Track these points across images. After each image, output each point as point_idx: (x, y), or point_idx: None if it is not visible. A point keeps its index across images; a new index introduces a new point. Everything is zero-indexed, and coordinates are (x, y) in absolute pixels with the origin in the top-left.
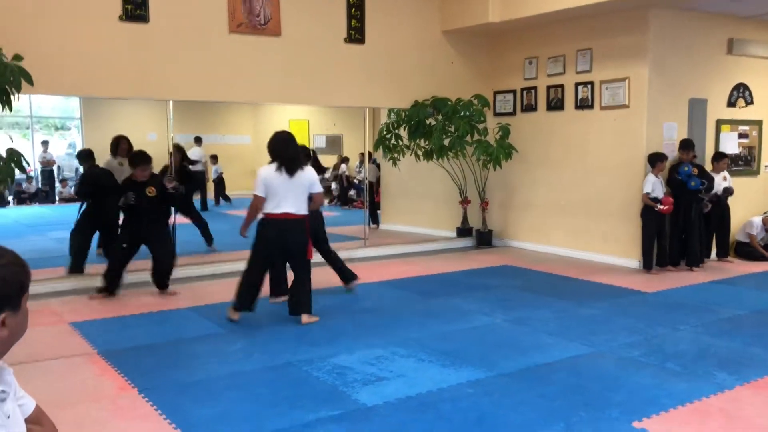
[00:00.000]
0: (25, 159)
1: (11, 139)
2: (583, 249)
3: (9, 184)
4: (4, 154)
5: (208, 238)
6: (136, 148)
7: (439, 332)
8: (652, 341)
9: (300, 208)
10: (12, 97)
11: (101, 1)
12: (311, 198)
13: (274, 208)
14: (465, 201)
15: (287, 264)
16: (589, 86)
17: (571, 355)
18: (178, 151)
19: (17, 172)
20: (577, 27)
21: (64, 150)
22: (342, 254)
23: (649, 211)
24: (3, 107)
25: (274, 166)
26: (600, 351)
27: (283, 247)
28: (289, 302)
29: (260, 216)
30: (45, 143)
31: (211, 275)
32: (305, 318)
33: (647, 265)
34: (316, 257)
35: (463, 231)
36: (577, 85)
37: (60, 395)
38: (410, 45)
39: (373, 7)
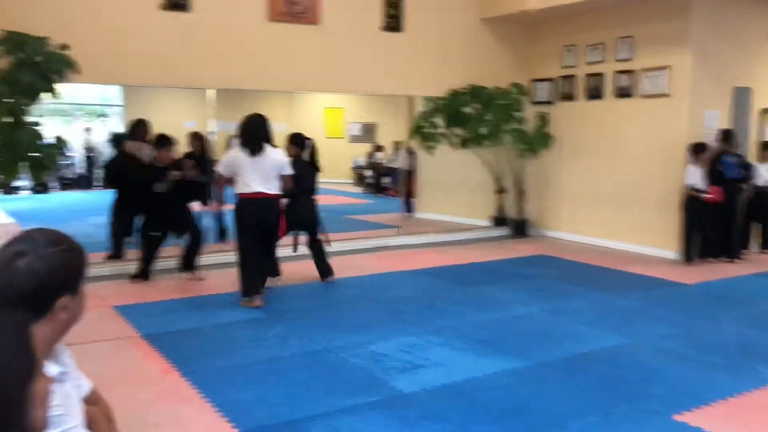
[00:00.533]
0: (68, 146)
1: (57, 126)
2: (619, 239)
3: (54, 169)
4: (50, 140)
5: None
6: (175, 135)
7: (474, 321)
8: (691, 333)
9: (270, 187)
10: (57, 84)
11: None
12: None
13: (244, 188)
14: (501, 190)
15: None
16: (630, 74)
17: (609, 346)
18: (198, 139)
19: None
20: (617, 14)
21: (105, 137)
22: (376, 242)
23: (691, 201)
24: (49, 94)
25: (239, 147)
26: (638, 342)
27: (258, 225)
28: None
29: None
30: (87, 130)
31: None
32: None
33: (688, 257)
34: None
35: (499, 220)
36: (617, 73)
37: (105, 377)
38: (447, 33)
39: None
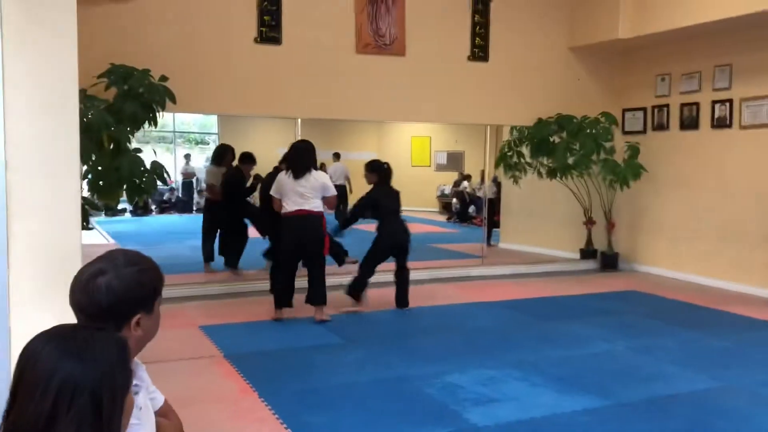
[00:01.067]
0: (166, 171)
1: (155, 152)
2: (718, 277)
3: (152, 194)
4: (149, 167)
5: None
6: (266, 161)
7: (555, 356)
8: None
9: (310, 205)
10: (157, 114)
11: (239, 25)
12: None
13: (287, 207)
14: (590, 221)
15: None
16: (728, 104)
17: (698, 389)
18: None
19: (159, 183)
20: (714, 42)
21: (202, 163)
22: (458, 272)
23: None
24: (150, 123)
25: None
26: (731, 386)
27: (299, 241)
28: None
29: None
30: (187, 156)
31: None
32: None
33: None
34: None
35: (587, 253)
36: (714, 102)
37: (185, 394)
38: (535, 62)
39: (497, 25)
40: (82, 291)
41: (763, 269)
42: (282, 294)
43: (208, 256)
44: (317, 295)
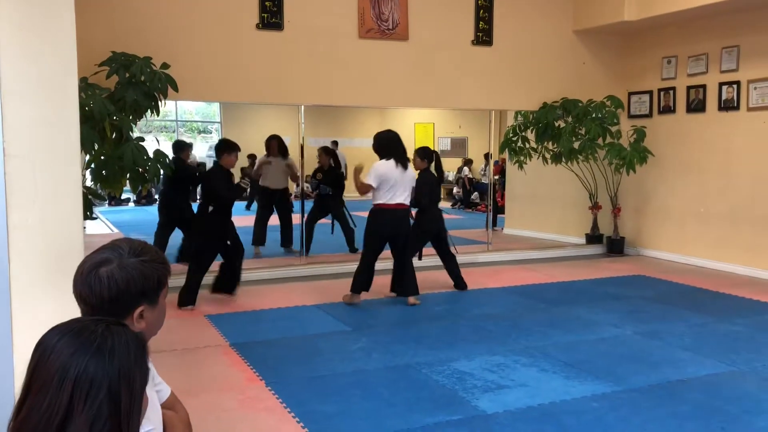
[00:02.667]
0: (169, 160)
1: (158, 141)
2: (724, 260)
3: (156, 182)
4: (152, 155)
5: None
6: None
7: (563, 342)
8: None
9: (407, 199)
10: (160, 102)
11: (240, 12)
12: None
13: (389, 199)
14: (596, 206)
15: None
16: (735, 86)
17: (708, 373)
18: (328, 154)
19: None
20: (722, 23)
21: (205, 152)
22: (465, 258)
23: None
24: (152, 112)
25: (391, 161)
26: (741, 370)
27: (395, 234)
28: (398, 285)
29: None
30: (189, 145)
31: (336, 274)
32: (412, 299)
33: None
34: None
35: (593, 238)
36: (721, 85)
37: (192, 383)
38: (539, 46)
39: (501, 9)
40: (84, 282)
41: None
42: (365, 280)
43: (258, 239)
44: (410, 285)
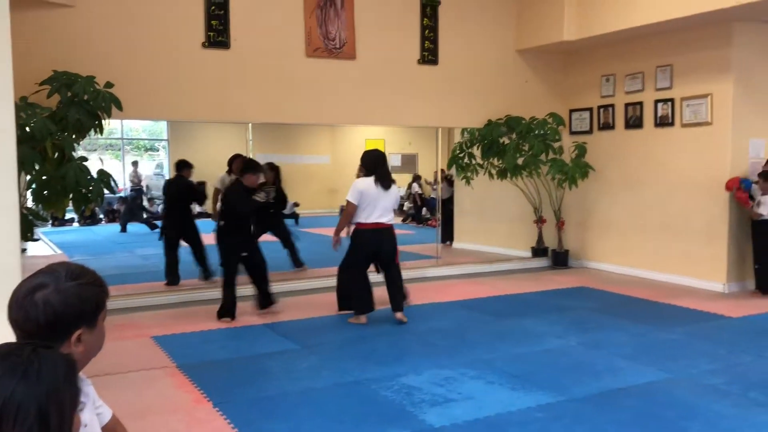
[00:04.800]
0: (113, 179)
1: (101, 161)
2: (663, 271)
3: (99, 203)
4: (95, 175)
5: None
6: (217, 168)
7: (509, 354)
8: (734, 369)
9: (390, 218)
10: (103, 121)
11: (186, 30)
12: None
13: (367, 218)
14: (540, 220)
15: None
16: (670, 103)
17: (647, 381)
18: (272, 170)
19: (106, 192)
20: (656, 43)
21: (152, 170)
22: (414, 273)
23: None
24: (95, 131)
25: (371, 179)
26: (677, 377)
27: (377, 252)
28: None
29: (353, 226)
30: (134, 164)
31: (284, 292)
32: (399, 315)
33: (763, 287)
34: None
35: (539, 251)
36: (656, 102)
37: (139, 406)
38: (484, 65)
39: (446, 29)
40: (20, 307)
41: (708, 262)
42: (368, 299)
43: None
44: (399, 300)
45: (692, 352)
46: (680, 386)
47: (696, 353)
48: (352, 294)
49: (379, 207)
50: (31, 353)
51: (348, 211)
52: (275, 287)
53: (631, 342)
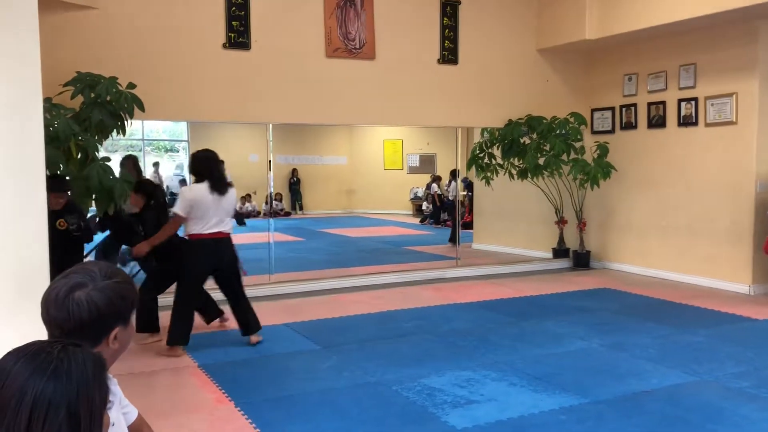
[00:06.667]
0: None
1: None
2: (687, 272)
3: (123, 202)
4: (118, 175)
5: None
6: (238, 168)
7: (531, 356)
8: (762, 372)
9: (228, 226)
10: (126, 122)
11: (207, 31)
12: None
13: (202, 228)
14: (561, 221)
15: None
16: (693, 102)
17: (672, 384)
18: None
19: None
20: (679, 41)
21: (172, 171)
22: (433, 274)
23: None
24: (118, 132)
25: (204, 185)
26: (703, 380)
27: (217, 266)
28: (242, 323)
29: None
30: (156, 164)
31: (306, 292)
32: (254, 338)
33: None
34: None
35: (560, 252)
36: (680, 101)
37: (161, 406)
38: (504, 64)
39: (466, 28)
40: (60, 306)
41: (733, 263)
42: (190, 328)
43: None
44: (254, 321)
45: (718, 355)
46: (706, 389)
47: (722, 356)
48: (175, 319)
49: (217, 215)
50: (61, 351)
51: (173, 226)
52: (276, 287)
53: (654, 344)
